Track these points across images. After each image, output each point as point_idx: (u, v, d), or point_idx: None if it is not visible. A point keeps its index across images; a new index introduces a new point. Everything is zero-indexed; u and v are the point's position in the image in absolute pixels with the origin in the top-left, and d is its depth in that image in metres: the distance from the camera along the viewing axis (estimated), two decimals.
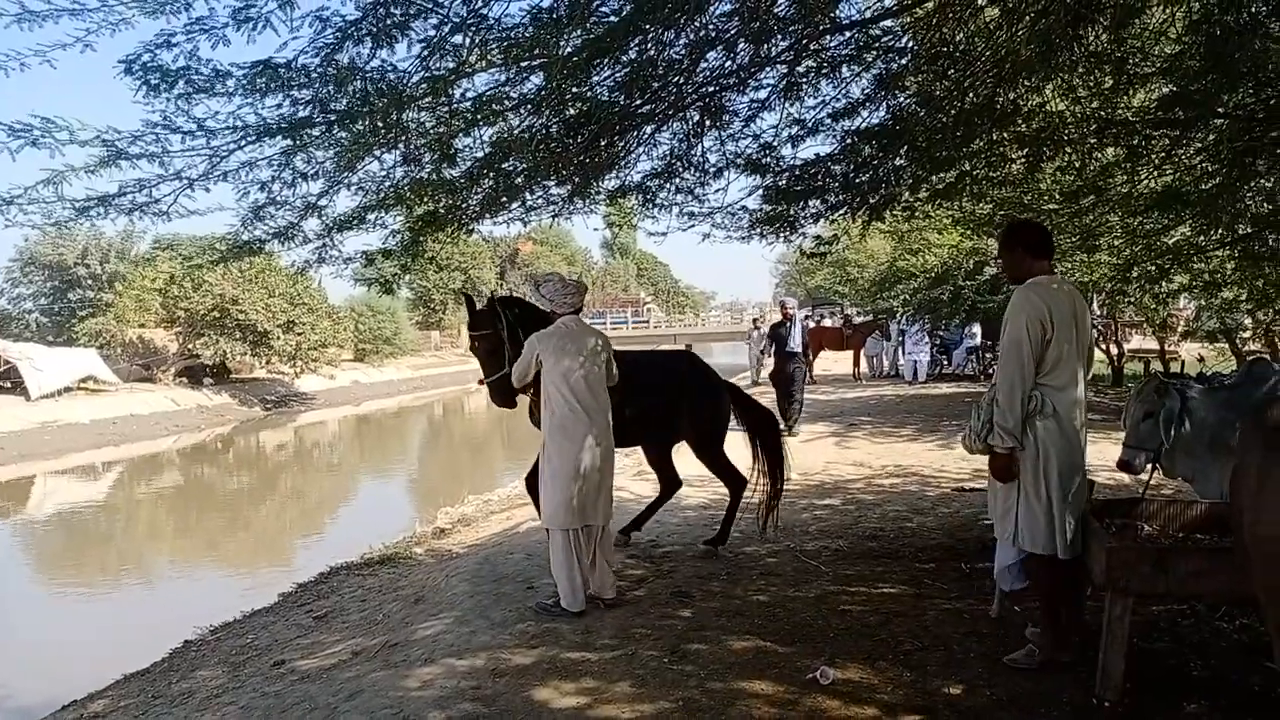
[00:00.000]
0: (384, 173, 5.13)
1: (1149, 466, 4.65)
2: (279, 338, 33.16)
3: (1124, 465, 4.67)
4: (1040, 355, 3.96)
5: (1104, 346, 19.68)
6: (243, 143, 3.98)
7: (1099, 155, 6.43)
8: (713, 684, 4.18)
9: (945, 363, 23.62)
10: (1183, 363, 19.17)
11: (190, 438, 27.21)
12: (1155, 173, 6.85)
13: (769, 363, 21.81)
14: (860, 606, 5.24)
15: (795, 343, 13.38)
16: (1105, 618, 3.74)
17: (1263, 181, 6.72)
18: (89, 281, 36.09)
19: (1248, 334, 17.21)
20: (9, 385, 27.02)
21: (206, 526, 15.90)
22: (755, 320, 26.72)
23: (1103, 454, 7.14)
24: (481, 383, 6.03)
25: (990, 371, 19.56)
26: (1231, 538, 3.96)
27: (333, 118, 3.70)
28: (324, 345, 36.74)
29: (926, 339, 22.37)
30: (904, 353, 22.81)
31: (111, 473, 22.14)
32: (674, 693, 4.10)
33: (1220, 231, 8.00)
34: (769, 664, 4.40)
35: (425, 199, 5.49)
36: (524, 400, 5.95)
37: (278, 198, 4.87)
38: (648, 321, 62.03)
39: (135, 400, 28.97)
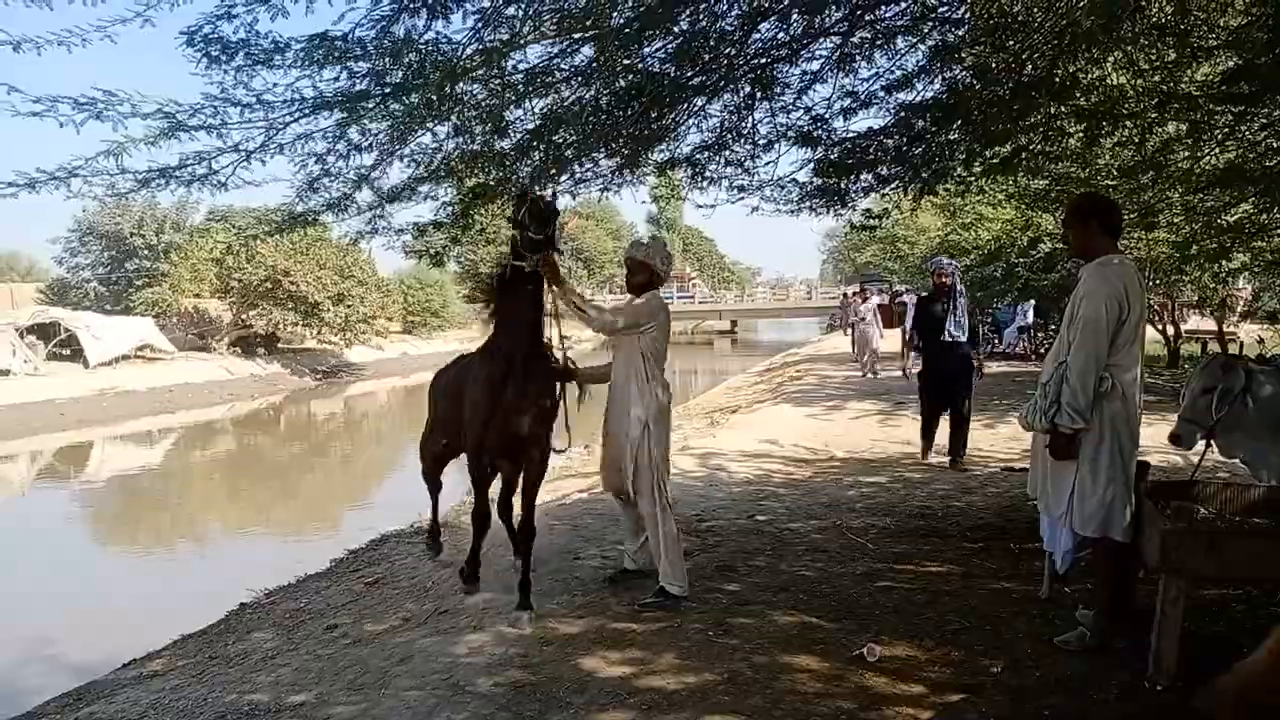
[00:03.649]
0: (436, 145, 5.16)
1: (1201, 443, 4.55)
2: (329, 309, 33.60)
3: (1175, 439, 4.57)
4: (1114, 335, 3.90)
5: (1160, 327, 19.29)
6: (299, 115, 4.02)
7: (1160, 130, 6.29)
8: (758, 658, 4.20)
9: (996, 341, 23.24)
10: (1241, 344, 18.71)
11: (244, 406, 27.73)
12: (1218, 149, 6.68)
13: (880, 345, 19.04)
14: (907, 585, 5.22)
15: (957, 327, 8.78)
16: (1159, 601, 3.69)
17: None
18: (145, 252, 36.69)
19: None
20: (68, 353, 27.70)
21: (260, 493, 16.24)
22: (862, 291, 22.83)
23: (1157, 436, 7.02)
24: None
25: (1041, 351, 19.26)
26: None
27: (388, 90, 3.73)
28: (373, 317, 37.20)
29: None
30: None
31: (167, 439, 22.64)
32: (719, 665, 4.12)
33: None
34: (814, 639, 4.40)
35: (476, 171, 5.52)
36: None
37: (332, 169, 4.93)
38: (693, 297, 61.86)
39: (190, 368, 29.58)
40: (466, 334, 47.96)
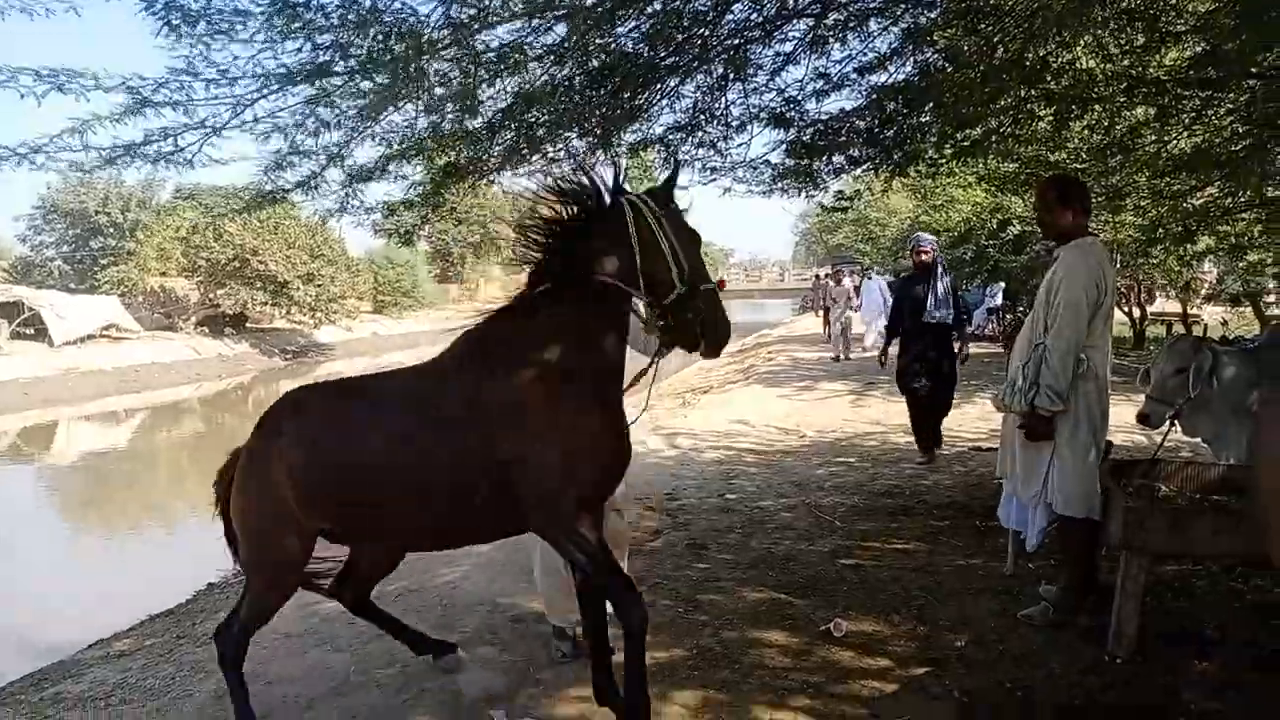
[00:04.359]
0: (406, 123, 5.11)
1: (1168, 423, 4.63)
2: (299, 288, 33.34)
3: (1144, 418, 4.64)
4: (1091, 317, 3.94)
5: (1126, 309, 19.53)
6: (266, 91, 3.97)
7: (1128, 114, 6.34)
8: (727, 633, 4.24)
9: (965, 322, 23.29)
10: (1205, 326, 18.98)
11: (211, 386, 27.51)
12: (1185, 133, 6.74)
13: (862, 329, 18.92)
14: (874, 561, 5.28)
15: (938, 307, 8.09)
16: (1120, 577, 3.76)
17: None
18: (111, 230, 36.30)
19: (1271, 298, 17.03)
20: (32, 332, 27.32)
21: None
22: (834, 273, 20.60)
23: (1120, 416, 7.12)
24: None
25: (1010, 332, 19.43)
26: (1248, 498, 3.97)
27: (354, 65, 3.68)
28: (343, 297, 36.95)
29: (880, 299, 17.51)
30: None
31: (133, 419, 22.39)
32: (688, 641, 4.16)
33: (1248, 194, 7.88)
34: (783, 615, 4.45)
35: (446, 150, 5.47)
36: None
37: (300, 147, 4.86)
38: None
39: (157, 348, 29.28)
40: (439, 314, 47.89)
